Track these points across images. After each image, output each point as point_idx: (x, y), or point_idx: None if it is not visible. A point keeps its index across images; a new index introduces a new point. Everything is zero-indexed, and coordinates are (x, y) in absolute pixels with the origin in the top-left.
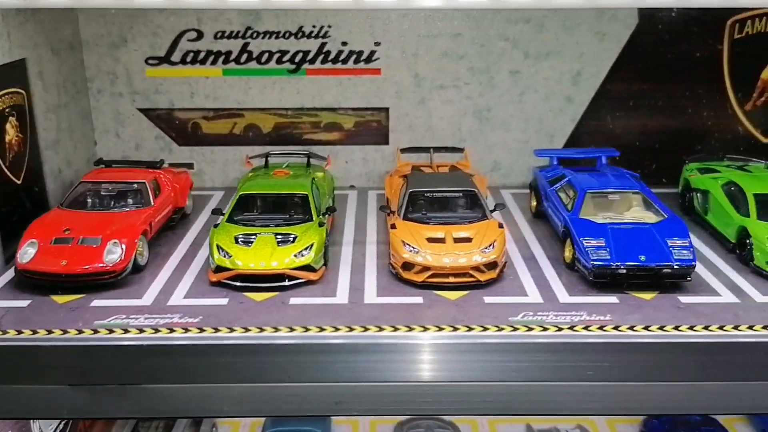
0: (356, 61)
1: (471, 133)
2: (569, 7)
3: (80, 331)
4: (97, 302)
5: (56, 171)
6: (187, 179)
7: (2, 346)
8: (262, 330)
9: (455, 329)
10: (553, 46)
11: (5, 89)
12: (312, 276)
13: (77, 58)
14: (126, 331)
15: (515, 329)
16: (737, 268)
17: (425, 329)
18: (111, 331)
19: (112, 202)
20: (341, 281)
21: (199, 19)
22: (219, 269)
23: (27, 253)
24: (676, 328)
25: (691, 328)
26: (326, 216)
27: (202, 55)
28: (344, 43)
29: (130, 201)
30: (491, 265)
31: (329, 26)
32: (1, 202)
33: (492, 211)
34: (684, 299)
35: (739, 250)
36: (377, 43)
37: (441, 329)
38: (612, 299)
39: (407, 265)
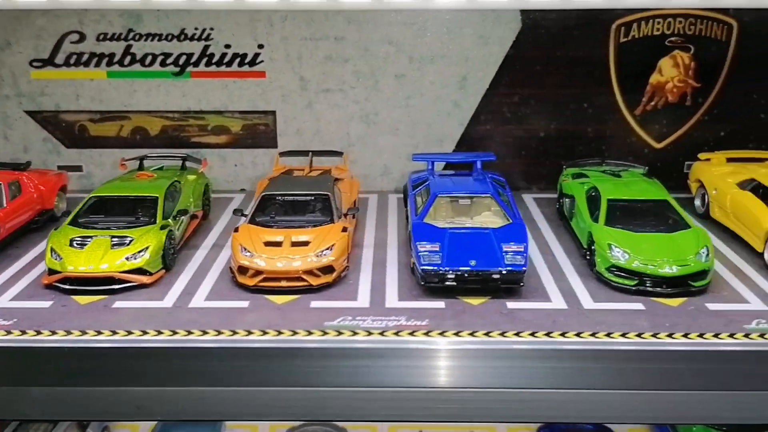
0: (240, 64)
1: (359, 137)
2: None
3: None
4: None
5: None
6: (58, 181)
7: None
8: (84, 333)
9: (264, 333)
10: (438, 50)
11: None
12: (144, 279)
13: None
14: None
15: (325, 333)
16: (584, 275)
17: (234, 333)
18: None
19: None
20: (177, 285)
21: (81, 21)
22: (51, 272)
23: None
24: (487, 334)
25: (502, 333)
26: (178, 219)
27: (85, 57)
28: (227, 46)
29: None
30: (326, 269)
31: (211, 29)
32: None
33: (345, 216)
34: (511, 305)
35: (589, 256)
36: (260, 46)
37: (250, 333)
38: (439, 304)
39: (242, 269)
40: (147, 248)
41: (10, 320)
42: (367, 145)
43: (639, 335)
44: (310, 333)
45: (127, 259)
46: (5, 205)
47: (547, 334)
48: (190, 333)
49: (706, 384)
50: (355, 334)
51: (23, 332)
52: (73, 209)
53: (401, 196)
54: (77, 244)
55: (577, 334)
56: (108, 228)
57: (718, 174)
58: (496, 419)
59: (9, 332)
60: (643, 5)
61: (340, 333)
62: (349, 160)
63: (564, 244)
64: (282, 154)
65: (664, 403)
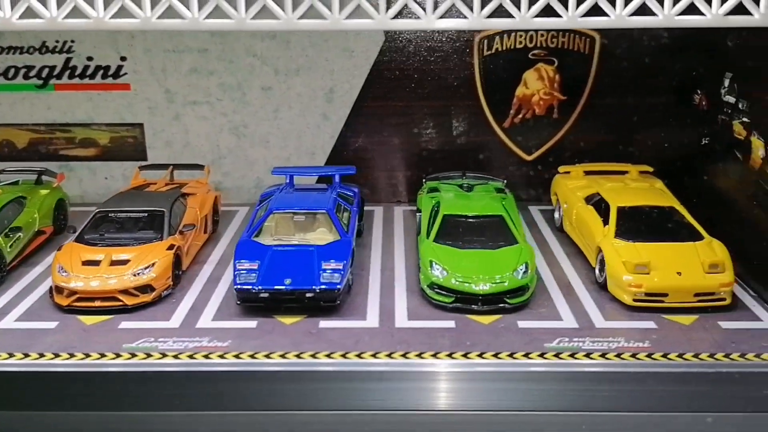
0: (104, 76)
1: (230, 149)
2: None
3: None
4: None
5: None
6: None
7: None
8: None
9: (57, 356)
10: (303, 62)
11: None
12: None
13: None
14: None
15: (131, 355)
16: (413, 291)
17: (41, 355)
18: None
19: None
20: None
21: None
22: None
23: None
24: (283, 356)
25: (298, 356)
26: (11, 236)
27: None
28: (90, 58)
29: None
30: (145, 289)
31: (72, 41)
32: None
33: (182, 233)
34: (324, 323)
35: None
36: (123, 58)
37: (57, 356)
38: (251, 324)
39: (58, 289)
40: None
41: None
42: (238, 157)
43: (434, 355)
44: (103, 355)
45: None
46: None
47: (358, 355)
48: None
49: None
50: (149, 356)
51: None
52: None
53: None
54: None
55: (373, 355)
56: None
57: (570, 188)
58: None
59: None
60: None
61: (134, 355)
62: (213, 173)
63: (408, 261)
64: (142, 167)
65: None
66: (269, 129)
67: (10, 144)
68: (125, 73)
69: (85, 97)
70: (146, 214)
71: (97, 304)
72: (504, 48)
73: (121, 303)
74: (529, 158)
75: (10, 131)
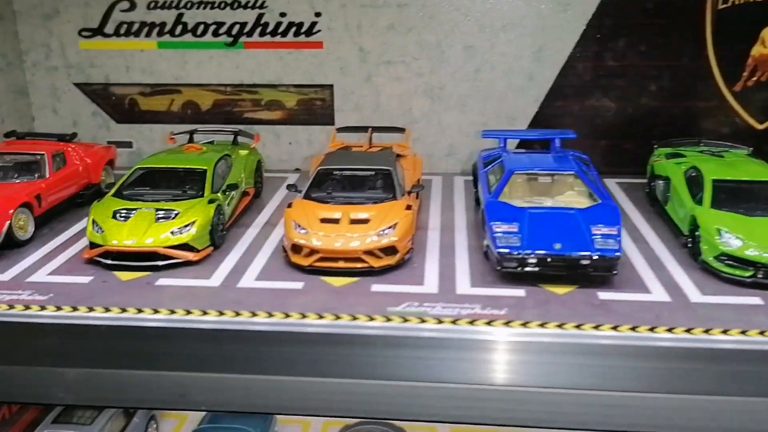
0: (296, 34)
1: (423, 113)
2: None
3: None
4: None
5: None
6: (105, 155)
7: None
8: (123, 311)
9: (320, 317)
10: (511, 17)
11: None
12: (190, 256)
13: (10, 30)
14: None
15: (389, 320)
16: (686, 264)
17: (287, 316)
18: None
19: (10, 174)
20: (225, 263)
21: None
22: (93, 245)
23: None
24: (578, 326)
25: (596, 327)
26: (228, 194)
27: (135, 26)
28: (283, 14)
29: (25, 173)
30: (389, 251)
31: None
32: None
33: (409, 193)
34: (603, 295)
35: (691, 244)
36: (318, 14)
37: (304, 317)
38: (519, 292)
39: (296, 248)
40: (194, 222)
41: (45, 295)
42: (431, 122)
43: (762, 333)
44: (371, 318)
45: (172, 233)
46: (48, 176)
47: (651, 329)
48: (238, 315)
49: None
50: (423, 321)
51: (58, 308)
52: None
53: (469, 178)
54: (121, 216)
55: (687, 331)
56: (154, 200)
57: None
58: (585, 426)
59: (43, 307)
60: None
61: (405, 320)
62: (411, 138)
63: (658, 231)
64: (339, 129)
65: None
66: (467, 91)
67: (194, 106)
68: (318, 31)
69: (275, 56)
70: (373, 173)
71: (341, 264)
72: (742, 0)
73: (366, 265)
74: (760, 127)
75: (196, 92)
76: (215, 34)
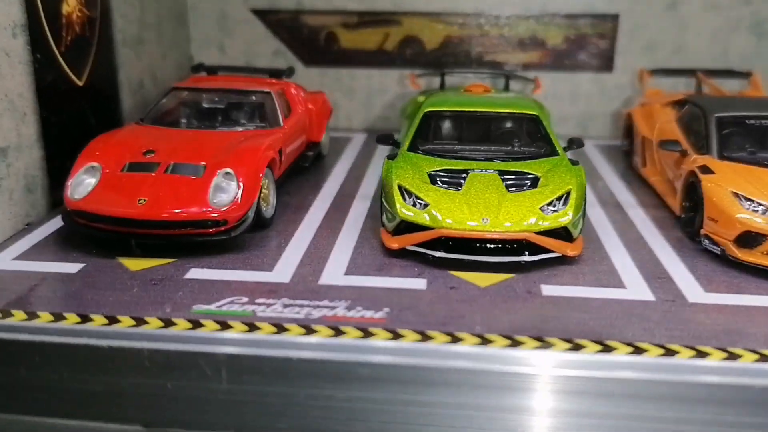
0: None
1: (743, 56)
2: None
3: (166, 323)
4: (195, 273)
5: (136, 82)
6: (324, 103)
7: (18, 341)
8: (514, 343)
9: None
10: None
11: None
12: (568, 249)
13: None
14: (250, 327)
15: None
16: None
17: None
18: (223, 326)
19: (221, 119)
20: (617, 260)
21: None
22: (404, 228)
23: (82, 183)
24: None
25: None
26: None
27: None
28: None
29: (248, 118)
30: None
31: None
32: (51, 109)
33: None
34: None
35: None
36: None
37: None
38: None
39: (747, 238)
40: (568, 195)
41: (378, 310)
42: (754, 67)
43: None
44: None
45: (542, 210)
46: (282, 124)
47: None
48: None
49: None
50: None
51: (392, 334)
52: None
53: None
54: (444, 182)
55: None
56: (484, 158)
57: None
58: None
59: (396, 334)
60: None
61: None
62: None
63: None
64: (653, 72)
65: None
66: None
67: (416, 43)
68: None
69: None
70: None
71: None
72: None
73: None
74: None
75: (420, 23)
76: None
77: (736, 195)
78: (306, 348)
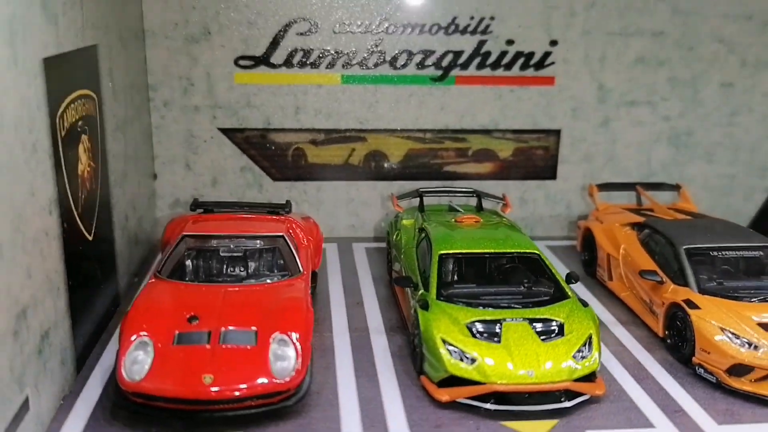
0: (524, 67)
1: (663, 164)
2: None
3: None
4: None
5: (123, 218)
6: (318, 231)
7: None
8: None
9: None
10: None
11: (77, 90)
12: (596, 390)
13: (135, 56)
14: None
15: None
16: None
17: None
18: None
19: (242, 269)
20: (632, 393)
21: (312, 6)
22: (451, 380)
23: (136, 360)
24: None
25: None
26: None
27: (314, 54)
28: (510, 42)
29: (268, 268)
30: None
31: (492, 18)
32: (75, 276)
33: None
34: None
35: None
36: (553, 42)
37: None
38: None
39: (738, 368)
40: (590, 339)
41: None
42: (671, 174)
43: None
44: None
45: (573, 358)
46: (302, 271)
47: None
48: None
49: None
50: None
51: None
52: None
53: None
54: (481, 333)
55: None
56: (506, 306)
57: None
58: None
59: None
60: None
61: None
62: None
63: None
64: (600, 187)
65: None
66: (719, 138)
67: (380, 156)
68: (551, 63)
69: (494, 95)
70: (759, 253)
71: None
72: None
73: None
74: None
75: (384, 139)
76: (420, 65)
77: (723, 330)
78: None
